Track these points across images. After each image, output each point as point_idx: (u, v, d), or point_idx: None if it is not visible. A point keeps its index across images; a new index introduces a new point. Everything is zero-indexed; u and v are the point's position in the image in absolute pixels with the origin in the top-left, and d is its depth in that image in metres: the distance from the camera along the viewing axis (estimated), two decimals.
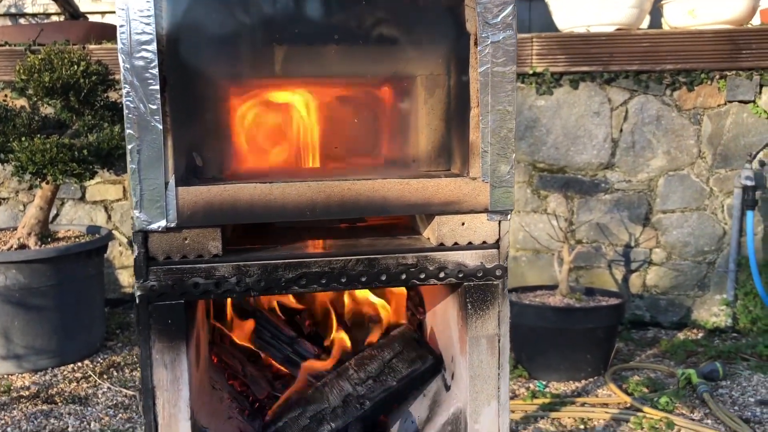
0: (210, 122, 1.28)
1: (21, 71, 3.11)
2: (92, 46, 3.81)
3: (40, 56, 3.11)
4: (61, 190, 3.77)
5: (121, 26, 1.09)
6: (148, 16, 1.09)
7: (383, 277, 1.23)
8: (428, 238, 1.31)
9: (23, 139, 3.05)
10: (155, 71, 1.10)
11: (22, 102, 3.79)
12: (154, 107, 1.11)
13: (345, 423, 1.36)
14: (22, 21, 4.74)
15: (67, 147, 3.02)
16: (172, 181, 1.14)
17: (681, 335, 3.64)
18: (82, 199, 4.01)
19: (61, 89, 3.15)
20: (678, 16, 3.68)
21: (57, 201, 3.89)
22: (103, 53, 3.76)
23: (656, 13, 3.94)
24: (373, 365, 1.42)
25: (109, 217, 4.00)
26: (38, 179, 3.11)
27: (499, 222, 1.25)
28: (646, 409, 2.74)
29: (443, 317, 1.42)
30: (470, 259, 1.25)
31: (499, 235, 1.26)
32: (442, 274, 1.25)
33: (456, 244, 1.26)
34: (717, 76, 3.55)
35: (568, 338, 3.09)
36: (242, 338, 1.48)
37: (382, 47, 1.28)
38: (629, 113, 3.66)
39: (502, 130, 1.19)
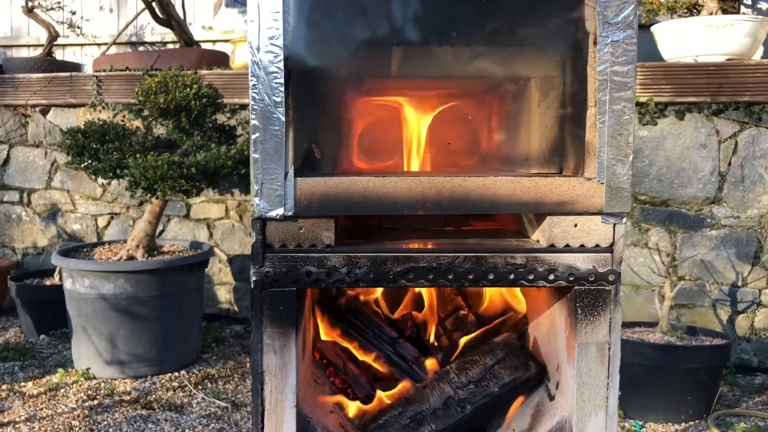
0: (327, 118, 1.32)
1: (139, 92, 3.33)
2: (203, 72, 4.03)
3: (156, 79, 3.32)
4: (168, 207, 3.96)
5: (251, 21, 1.15)
6: (277, 12, 1.14)
7: (491, 276, 1.22)
8: (537, 241, 1.29)
9: (137, 156, 3.25)
10: (281, 65, 1.15)
11: (137, 123, 4.04)
12: (278, 99, 1.15)
13: (445, 425, 1.34)
14: (141, 48, 5.09)
15: (177, 164, 3.19)
16: (291, 171, 1.18)
17: None
18: (187, 216, 4.20)
19: (174, 110, 3.34)
20: None
21: (163, 217, 4.08)
22: (213, 78, 3.96)
23: None
24: (474, 370, 1.40)
25: (211, 235, 4.16)
26: (149, 194, 3.28)
27: (614, 225, 1.22)
28: None
29: (549, 325, 1.39)
30: (582, 262, 1.22)
31: (613, 238, 1.22)
32: (551, 276, 1.22)
33: (567, 246, 1.23)
34: None
35: (667, 377, 2.94)
36: (344, 337, 1.50)
37: (497, 49, 1.29)
38: (739, 146, 3.50)
39: (620, 131, 1.16)
